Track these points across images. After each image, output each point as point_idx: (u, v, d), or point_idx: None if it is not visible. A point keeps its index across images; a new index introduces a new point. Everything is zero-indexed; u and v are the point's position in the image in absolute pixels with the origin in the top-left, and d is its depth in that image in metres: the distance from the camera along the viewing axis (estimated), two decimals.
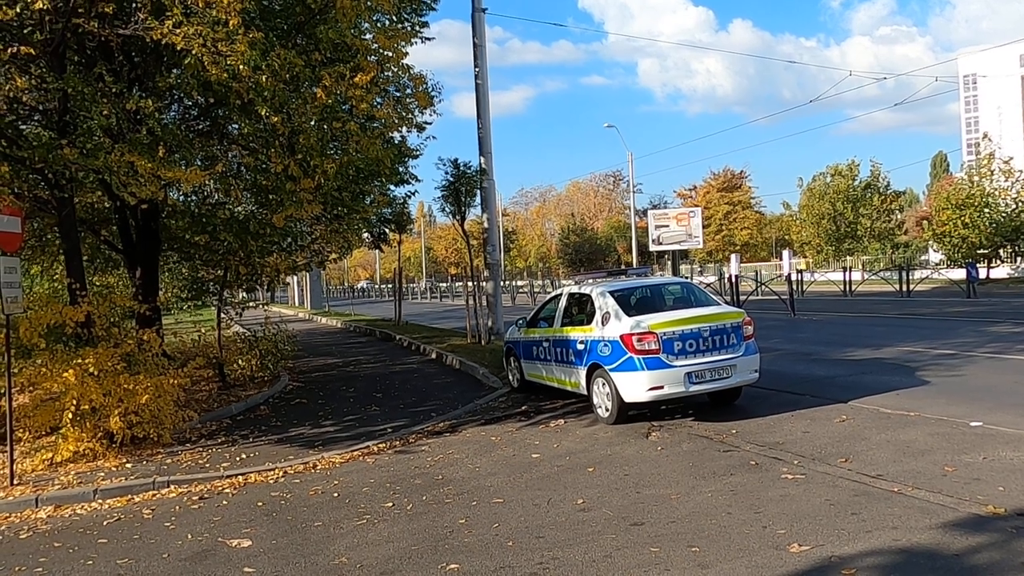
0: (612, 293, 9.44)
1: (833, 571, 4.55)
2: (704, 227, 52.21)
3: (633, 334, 8.69)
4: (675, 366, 8.61)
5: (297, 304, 53.14)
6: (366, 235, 23.42)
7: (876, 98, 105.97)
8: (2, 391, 8.80)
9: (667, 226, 44.70)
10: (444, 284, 65.20)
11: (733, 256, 31.02)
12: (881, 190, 53.09)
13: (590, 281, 10.45)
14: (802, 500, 5.87)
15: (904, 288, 29.90)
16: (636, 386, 8.68)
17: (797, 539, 5.05)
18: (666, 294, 10.08)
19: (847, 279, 32.55)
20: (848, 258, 48.41)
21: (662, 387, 8.61)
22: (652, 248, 45.33)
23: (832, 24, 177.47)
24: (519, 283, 58.19)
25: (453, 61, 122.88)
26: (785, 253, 26.54)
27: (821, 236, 52.77)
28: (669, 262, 51.05)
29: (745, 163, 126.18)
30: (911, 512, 5.39)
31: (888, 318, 20.63)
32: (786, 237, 65.33)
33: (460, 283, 38.13)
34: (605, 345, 9.03)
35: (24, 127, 10.69)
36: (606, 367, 8.96)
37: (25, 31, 9.21)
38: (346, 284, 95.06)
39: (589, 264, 62.25)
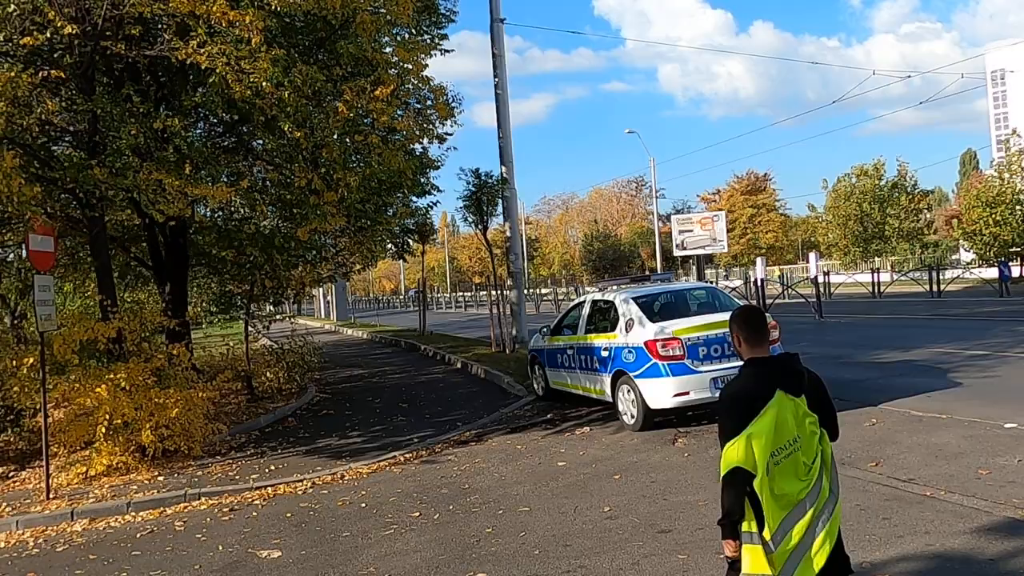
0: (636, 299, 9.42)
1: None
2: (728, 231, 51.87)
3: (657, 340, 8.65)
4: (700, 371, 8.56)
5: (323, 316, 53.58)
6: (390, 246, 23.58)
7: (902, 96, 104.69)
8: (38, 407, 9.00)
9: (691, 231, 44.50)
10: (469, 293, 65.30)
11: (758, 259, 30.73)
12: (908, 189, 52.30)
13: (613, 288, 10.44)
14: None
15: (934, 288, 29.40)
16: (661, 392, 8.64)
17: None
18: (690, 299, 10.04)
19: (875, 280, 32.09)
20: (876, 259, 47.75)
21: (688, 393, 8.56)
22: (676, 253, 45.12)
23: (854, 23, 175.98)
24: (543, 291, 58.09)
25: (473, 72, 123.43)
26: (812, 256, 26.19)
27: (848, 237, 52.09)
28: (694, 267, 50.73)
29: (769, 165, 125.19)
30: (944, 517, 5.30)
31: (918, 319, 20.31)
32: (812, 239, 64.60)
33: (484, 292, 38.24)
34: (629, 352, 9.00)
35: (55, 148, 10.96)
36: (631, 374, 8.93)
37: (55, 55, 9.46)
38: (371, 295, 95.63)
39: (613, 271, 62.02)
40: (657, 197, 54.03)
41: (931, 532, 5.05)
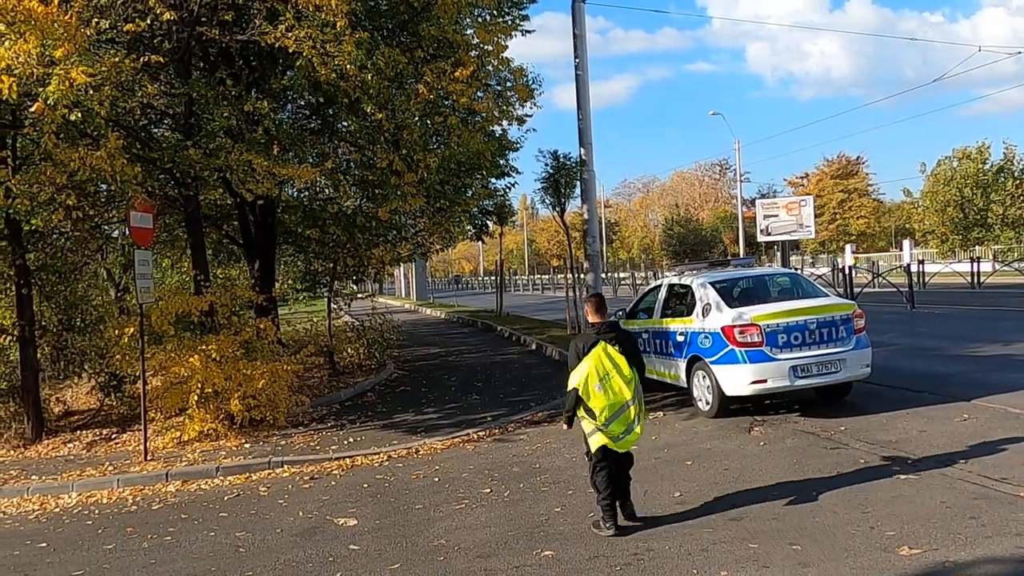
0: (713, 284, 9.23)
1: None
2: (817, 216, 49.89)
3: (735, 326, 8.48)
4: (779, 359, 8.35)
5: (403, 295, 54.70)
6: (468, 227, 23.79)
7: (1011, 74, 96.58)
8: (138, 374, 9.58)
9: (776, 216, 42.96)
10: (546, 276, 65.43)
11: (847, 246, 29.49)
12: (1016, 174, 49.01)
13: (691, 272, 10.26)
14: (915, 501, 5.58)
15: None
16: (738, 379, 8.47)
17: (908, 542, 4.82)
18: (771, 285, 9.77)
19: (975, 270, 30.33)
20: (977, 248, 45.12)
21: (765, 381, 8.37)
22: (760, 239, 43.74)
23: None
24: (621, 275, 57.56)
25: (554, 53, 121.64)
26: (905, 243, 24.92)
27: (946, 224, 49.34)
28: (778, 253, 49.13)
29: (862, 148, 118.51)
30: None
31: (1022, 312, 19.13)
32: (907, 226, 61.53)
33: (561, 275, 38.21)
34: (706, 337, 8.85)
35: (155, 130, 11.55)
36: (706, 359, 8.79)
37: (155, 41, 9.95)
38: (450, 275, 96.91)
39: (694, 255, 60.81)
40: (742, 181, 52.63)
41: (1023, 534, 4.80)
